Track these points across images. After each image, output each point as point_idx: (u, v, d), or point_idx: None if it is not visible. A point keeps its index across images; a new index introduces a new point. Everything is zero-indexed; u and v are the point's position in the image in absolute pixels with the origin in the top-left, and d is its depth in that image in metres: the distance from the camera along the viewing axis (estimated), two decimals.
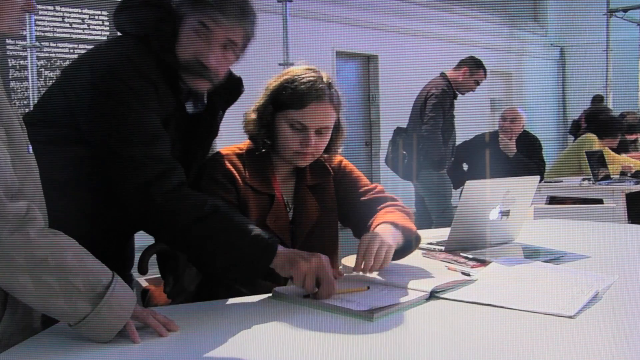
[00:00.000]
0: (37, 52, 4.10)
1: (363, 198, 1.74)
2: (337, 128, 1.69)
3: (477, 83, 4.51)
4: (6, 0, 1.18)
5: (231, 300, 1.42)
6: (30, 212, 1.12)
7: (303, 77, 1.60)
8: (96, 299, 1.14)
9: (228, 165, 1.63)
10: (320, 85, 1.60)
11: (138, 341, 1.17)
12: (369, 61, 8.09)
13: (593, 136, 4.93)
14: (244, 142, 1.71)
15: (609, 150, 4.89)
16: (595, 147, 4.77)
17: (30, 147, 1.26)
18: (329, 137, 1.66)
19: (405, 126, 4.51)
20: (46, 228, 1.16)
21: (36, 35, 4.07)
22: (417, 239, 1.66)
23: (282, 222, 1.65)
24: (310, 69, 1.63)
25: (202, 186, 1.63)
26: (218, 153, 1.69)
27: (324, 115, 1.61)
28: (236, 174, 1.63)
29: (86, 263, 1.16)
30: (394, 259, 1.58)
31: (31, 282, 1.10)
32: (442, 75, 4.47)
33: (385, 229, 1.56)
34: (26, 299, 1.13)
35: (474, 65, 4.45)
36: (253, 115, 1.66)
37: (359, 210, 1.72)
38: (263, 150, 1.66)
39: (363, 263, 1.46)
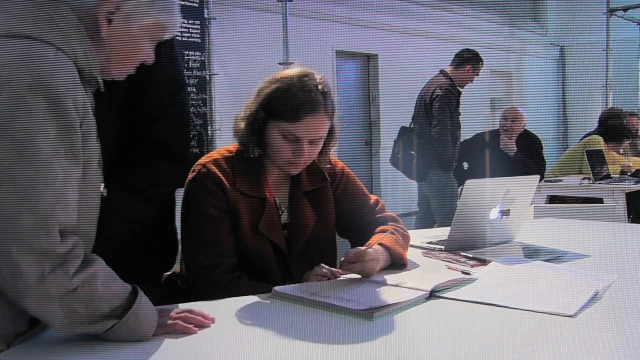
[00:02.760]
0: None
1: (365, 217, 1.73)
2: (331, 131, 1.64)
3: (477, 75, 4.49)
4: (139, 50, 1.23)
5: (231, 300, 1.42)
6: (75, 250, 1.11)
7: (297, 86, 1.54)
8: (117, 318, 1.15)
9: (216, 170, 1.59)
10: (316, 96, 1.54)
11: (194, 332, 1.21)
12: (369, 61, 8.08)
13: (599, 138, 4.93)
14: (234, 145, 1.66)
15: (610, 150, 4.89)
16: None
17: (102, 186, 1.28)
18: (322, 144, 1.62)
19: (408, 125, 4.48)
20: (84, 258, 1.14)
21: None
22: (403, 266, 1.66)
23: (275, 225, 1.62)
24: (304, 75, 1.56)
25: (189, 192, 1.60)
26: (206, 157, 1.64)
27: (319, 126, 1.56)
28: (224, 179, 1.58)
29: (112, 289, 1.17)
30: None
31: (60, 311, 1.10)
32: (443, 72, 4.43)
33: (377, 249, 1.58)
34: (53, 324, 1.14)
35: (474, 60, 4.42)
36: (242, 124, 1.60)
37: (360, 228, 1.72)
38: (253, 155, 1.61)
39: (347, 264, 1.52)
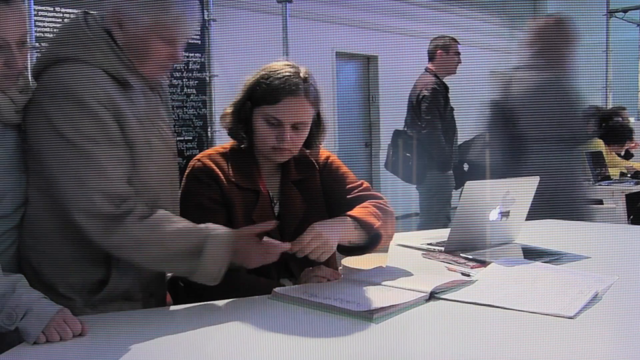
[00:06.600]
0: (36, 53, 4.10)
1: (349, 196, 1.73)
2: (317, 123, 1.68)
3: (458, 54, 4.44)
4: (152, 50, 1.45)
5: (231, 301, 1.43)
6: (130, 209, 1.37)
7: (278, 72, 1.60)
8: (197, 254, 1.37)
9: (210, 164, 1.65)
10: (295, 80, 1.59)
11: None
12: (369, 62, 8.09)
13: (599, 141, 4.90)
14: (228, 143, 1.72)
15: (611, 152, 4.87)
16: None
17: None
18: (307, 132, 1.65)
19: (402, 128, 4.47)
20: (145, 211, 1.39)
21: (36, 36, 4.07)
22: (377, 236, 1.62)
23: (268, 217, 1.64)
24: (288, 65, 1.63)
25: (185, 186, 1.65)
26: (201, 154, 1.70)
27: (299, 110, 1.60)
28: (219, 172, 1.63)
29: (181, 228, 1.41)
30: (354, 254, 1.66)
31: (143, 256, 1.39)
32: (428, 70, 4.40)
33: (337, 221, 1.59)
34: (152, 267, 1.44)
35: (441, 43, 4.38)
36: (229, 110, 1.67)
37: (345, 209, 1.69)
38: (243, 146, 1.66)
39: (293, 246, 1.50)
